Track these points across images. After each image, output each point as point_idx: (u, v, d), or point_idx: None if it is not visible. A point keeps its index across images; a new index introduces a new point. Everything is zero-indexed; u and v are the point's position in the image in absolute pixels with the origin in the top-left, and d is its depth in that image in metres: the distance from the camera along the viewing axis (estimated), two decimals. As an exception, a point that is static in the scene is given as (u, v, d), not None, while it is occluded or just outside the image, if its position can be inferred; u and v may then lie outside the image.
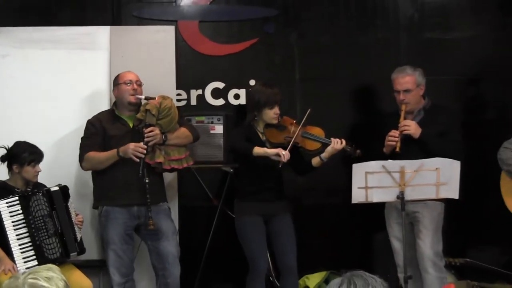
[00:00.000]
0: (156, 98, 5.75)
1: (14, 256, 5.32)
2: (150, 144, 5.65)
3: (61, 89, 6.15)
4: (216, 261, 6.56)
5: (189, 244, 6.44)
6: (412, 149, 5.68)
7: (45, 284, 2.86)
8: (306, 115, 5.68)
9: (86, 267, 5.79)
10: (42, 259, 5.32)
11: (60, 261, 5.36)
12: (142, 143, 5.61)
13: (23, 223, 5.39)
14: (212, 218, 6.54)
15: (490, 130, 6.83)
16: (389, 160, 5.46)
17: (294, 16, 6.83)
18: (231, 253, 6.39)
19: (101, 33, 6.25)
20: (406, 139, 5.74)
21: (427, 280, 5.77)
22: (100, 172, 5.77)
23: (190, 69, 6.68)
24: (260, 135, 5.79)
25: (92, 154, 5.72)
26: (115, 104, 5.89)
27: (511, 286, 6.15)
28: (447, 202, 5.73)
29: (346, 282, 2.84)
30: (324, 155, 5.75)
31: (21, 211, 5.38)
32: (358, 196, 5.40)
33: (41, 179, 5.62)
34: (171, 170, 5.89)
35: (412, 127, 5.76)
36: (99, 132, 5.77)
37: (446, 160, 5.37)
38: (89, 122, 5.84)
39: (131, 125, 5.80)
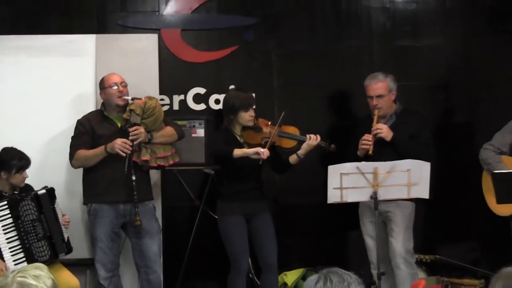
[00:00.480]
0: (142, 99, 5.75)
1: (5, 258, 5.29)
2: (135, 142, 5.64)
3: (49, 94, 6.14)
4: (198, 260, 6.54)
5: (172, 243, 6.43)
6: (385, 151, 5.70)
7: (33, 282, 2.85)
8: (282, 115, 5.73)
9: (74, 265, 5.78)
10: (32, 261, 5.25)
11: (50, 263, 5.33)
12: (128, 140, 5.62)
13: (12, 226, 5.35)
14: (194, 218, 6.52)
15: (458, 133, 6.87)
16: (363, 162, 5.48)
17: (272, 25, 6.83)
18: (212, 252, 6.39)
19: (87, 41, 6.24)
20: (379, 142, 5.76)
21: (399, 276, 5.79)
22: (89, 169, 5.76)
23: (172, 75, 6.67)
24: (238, 138, 5.79)
25: (81, 152, 5.71)
26: (103, 105, 5.88)
27: (478, 281, 6.17)
28: (418, 201, 5.75)
29: (323, 279, 2.84)
30: (300, 152, 5.77)
31: (10, 216, 5.34)
32: (333, 196, 5.42)
33: (31, 180, 5.60)
34: (158, 167, 5.90)
35: (384, 131, 5.78)
36: (88, 132, 5.77)
37: (417, 161, 5.40)
38: (79, 122, 5.83)
39: (119, 125, 5.80)
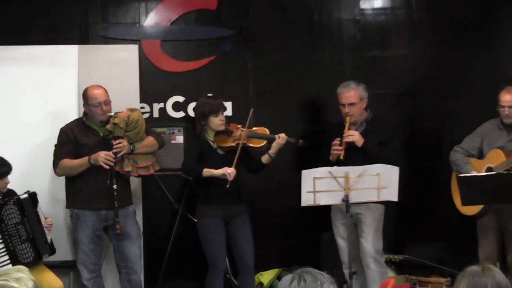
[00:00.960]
0: (124, 111, 5.73)
1: None
2: (118, 155, 5.64)
3: (34, 103, 6.10)
4: (177, 261, 6.53)
5: (152, 245, 6.42)
6: (356, 156, 5.71)
7: (15, 284, 2.84)
8: (250, 115, 5.77)
9: (58, 267, 5.76)
10: (16, 263, 5.22)
11: (33, 264, 5.32)
12: (111, 152, 5.60)
13: None
14: (173, 221, 6.52)
15: (425, 138, 6.90)
16: (335, 167, 5.49)
17: (248, 36, 6.84)
18: (191, 253, 6.38)
19: (71, 52, 6.21)
20: (351, 147, 5.78)
21: (369, 275, 5.81)
22: (72, 178, 5.74)
23: (152, 84, 6.65)
24: (211, 143, 5.81)
25: (66, 161, 5.69)
26: (86, 115, 5.84)
27: (445, 279, 6.20)
28: (387, 204, 5.77)
29: (297, 278, 2.85)
30: (271, 151, 5.79)
31: None
32: (307, 199, 5.43)
33: (16, 186, 5.56)
34: (139, 176, 5.91)
35: (355, 137, 5.81)
36: (72, 141, 5.73)
37: (386, 166, 5.42)
38: (62, 131, 5.79)
39: (101, 134, 5.77)
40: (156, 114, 6.70)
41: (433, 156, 6.66)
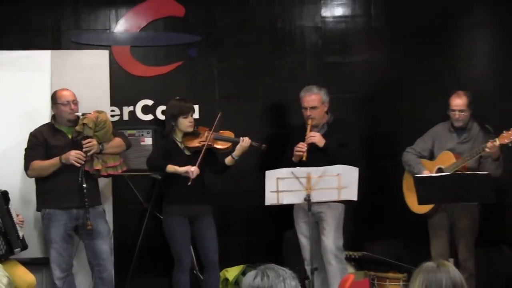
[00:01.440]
0: (92, 113, 5.72)
1: None
2: (88, 154, 5.63)
3: (6, 106, 6.04)
4: (146, 258, 6.51)
5: (122, 243, 6.39)
6: (317, 157, 5.74)
7: (-11, 282, 2.81)
8: (217, 119, 5.81)
9: (30, 264, 5.70)
10: None
11: (6, 257, 5.34)
12: (82, 151, 5.58)
13: None
14: (142, 220, 6.50)
15: (384, 140, 6.93)
16: (297, 167, 5.52)
17: (214, 42, 6.84)
18: (159, 250, 6.35)
19: (43, 57, 6.16)
20: (312, 149, 5.80)
21: (330, 271, 5.84)
22: (43, 178, 5.71)
23: (122, 88, 6.62)
24: (179, 144, 5.82)
25: (37, 163, 5.66)
26: (54, 118, 5.82)
27: (402, 275, 6.23)
28: (347, 203, 5.79)
29: (260, 274, 2.85)
30: (235, 153, 5.80)
31: None
32: (270, 198, 5.44)
33: (-12, 187, 5.52)
34: (108, 176, 5.89)
35: (317, 138, 5.84)
36: (42, 143, 5.71)
37: (346, 167, 5.45)
38: (32, 135, 5.76)
39: (70, 136, 5.75)
40: (126, 117, 6.67)
41: (390, 158, 6.70)
